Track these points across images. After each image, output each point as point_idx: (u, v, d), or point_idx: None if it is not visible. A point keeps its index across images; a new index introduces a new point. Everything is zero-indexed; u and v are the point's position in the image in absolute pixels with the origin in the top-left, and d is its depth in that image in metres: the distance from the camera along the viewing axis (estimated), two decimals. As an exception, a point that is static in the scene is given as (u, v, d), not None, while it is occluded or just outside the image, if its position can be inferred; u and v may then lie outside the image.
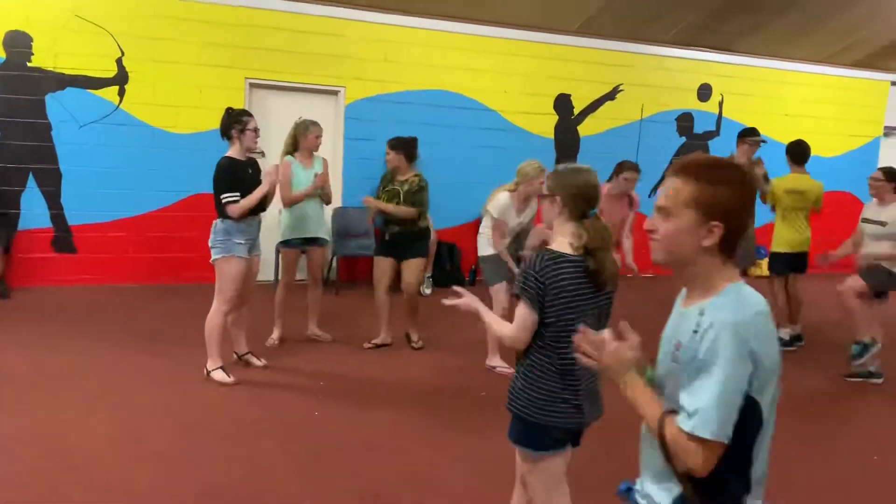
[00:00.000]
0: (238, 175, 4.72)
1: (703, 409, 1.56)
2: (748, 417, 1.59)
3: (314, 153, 5.72)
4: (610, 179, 5.97)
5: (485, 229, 5.37)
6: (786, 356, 6.00)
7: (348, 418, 4.32)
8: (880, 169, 5.57)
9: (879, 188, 5.47)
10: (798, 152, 6.31)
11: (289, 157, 5.60)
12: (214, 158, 4.89)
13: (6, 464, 3.53)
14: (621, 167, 5.89)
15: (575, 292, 2.38)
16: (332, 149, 8.10)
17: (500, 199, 5.19)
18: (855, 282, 5.39)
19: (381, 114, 8.09)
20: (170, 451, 3.80)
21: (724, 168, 1.70)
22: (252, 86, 7.74)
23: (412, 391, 4.88)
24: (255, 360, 5.14)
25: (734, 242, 1.68)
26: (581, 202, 2.47)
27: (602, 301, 2.47)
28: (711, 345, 1.57)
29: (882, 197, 5.48)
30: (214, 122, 6.93)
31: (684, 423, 1.58)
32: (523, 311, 2.38)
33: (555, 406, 2.40)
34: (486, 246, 5.40)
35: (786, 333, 6.43)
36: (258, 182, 4.80)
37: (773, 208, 6.44)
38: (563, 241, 2.45)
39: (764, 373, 1.60)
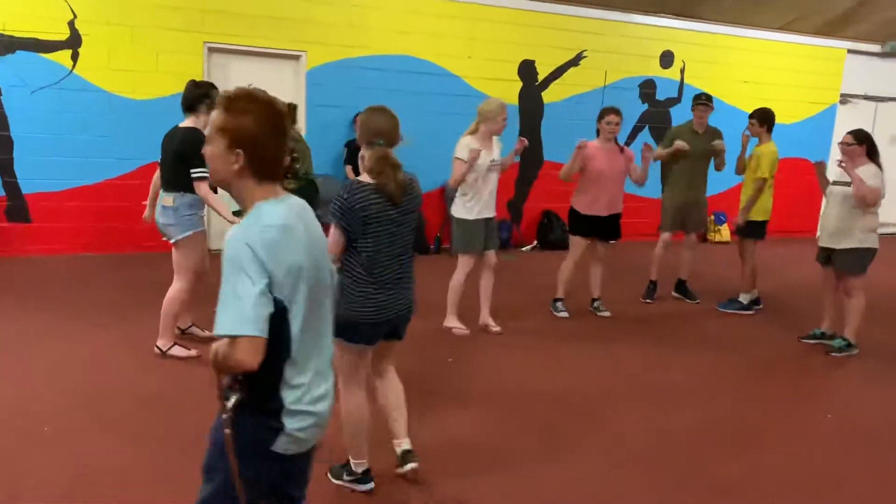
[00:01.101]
0: None
1: (222, 313, 1.76)
2: (277, 320, 1.80)
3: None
4: (598, 134, 6.01)
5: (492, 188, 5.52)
6: (745, 319, 6.17)
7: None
8: (849, 132, 5.48)
9: (850, 151, 5.38)
10: (774, 120, 6.35)
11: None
12: (173, 125, 4.77)
13: (-34, 438, 3.47)
14: (602, 114, 5.93)
15: (373, 209, 2.90)
16: (294, 115, 7.98)
17: (462, 142, 5.32)
18: (853, 279, 5.40)
19: (343, 79, 7.98)
20: (128, 423, 3.76)
21: (245, 100, 1.88)
22: (211, 50, 7.56)
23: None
24: (198, 332, 5.05)
25: (265, 167, 1.89)
26: (371, 135, 2.98)
27: (402, 218, 3.01)
28: (224, 256, 1.79)
29: (854, 160, 5.37)
30: (172, 88, 6.77)
31: (218, 331, 1.77)
32: (333, 231, 2.92)
33: (364, 304, 2.95)
34: (458, 208, 5.49)
35: (746, 298, 6.57)
36: None
37: (740, 179, 6.46)
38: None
39: (284, 278, 1.81)
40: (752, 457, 3.80)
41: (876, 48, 10.89)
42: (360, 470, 3.21)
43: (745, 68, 10.13)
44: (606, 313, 6.21)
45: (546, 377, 4.77)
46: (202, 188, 4.43)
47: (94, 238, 7.33)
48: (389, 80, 8.13)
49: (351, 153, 7.79)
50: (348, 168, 7.84)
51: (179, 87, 6.29)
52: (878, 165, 5.35)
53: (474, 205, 5.40)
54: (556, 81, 9.15)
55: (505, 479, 3.42)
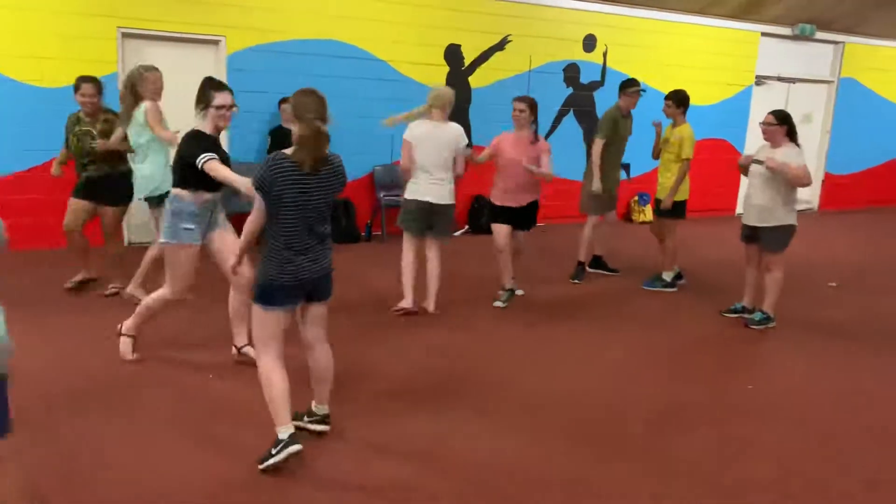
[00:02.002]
0: (209, 145, 4.13)
1: None
2: None
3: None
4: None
5: (448, 173, 5.54)
6: (669, 296, 6.33)
7: (243, 377, 4.22)
8: (771, 113, 5.60)
9: (772, 132, 5.51)
10: (689, 102, 6.51)
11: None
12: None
13: None
14: (513, 101, 5.90)
15: (289, 180, 3.11)
16: (215, 102, 7.78)
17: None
18: (774, 255, 5.60)
19: (266, 64, 7.81)
20: (51, 420, 3.63)
21: None
22: (125, 35, 7.26)
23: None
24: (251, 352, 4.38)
25: None
26: (303, 111, 3.15)
27: (319, 189, 3.22)
28: None
29: (775, 140, 5.52)
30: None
31: None
32: (256, 202, 3.19)
33: (281, 270, 3.20)
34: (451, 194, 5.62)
35: (669, 275, 6.76)
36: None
37: (659, 158, 6.70)
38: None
39: None
40: (679, 428, 3.92)
41: (787, 31, 11.31)
42: (285, 435, 3.23)
43: (665, 51, 10.36)
44: (506, 299, 6.10)
45: (479, 358, 4.81)
46: (212, 167, 4.04)
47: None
48: (313, 64, 7.99)
49: (275, 141, 7.64)
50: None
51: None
52: (797, 144, 5.54)
53: None
54: (483, 66, 9.18)
55: (438, 457, 3.44)
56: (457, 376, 4.51)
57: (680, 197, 6.51)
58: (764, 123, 5.58)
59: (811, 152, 12.33)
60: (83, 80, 5.67)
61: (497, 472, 3.37)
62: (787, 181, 5.40)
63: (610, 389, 4.43)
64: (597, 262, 7.18)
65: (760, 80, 11.43)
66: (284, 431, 3.23)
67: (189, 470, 3.27)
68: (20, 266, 6.47)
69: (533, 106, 5.82)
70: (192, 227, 4.20)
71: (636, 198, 10.46)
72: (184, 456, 3.39)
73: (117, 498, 3.05)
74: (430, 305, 5.68)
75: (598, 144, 6.71)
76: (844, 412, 4.25)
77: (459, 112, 9.02)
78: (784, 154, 5.42)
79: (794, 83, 11.84)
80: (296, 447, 3.21)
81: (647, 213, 10.33)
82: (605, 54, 9.96)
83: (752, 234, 5.71)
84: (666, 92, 6.74)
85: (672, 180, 6.47)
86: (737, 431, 3.93)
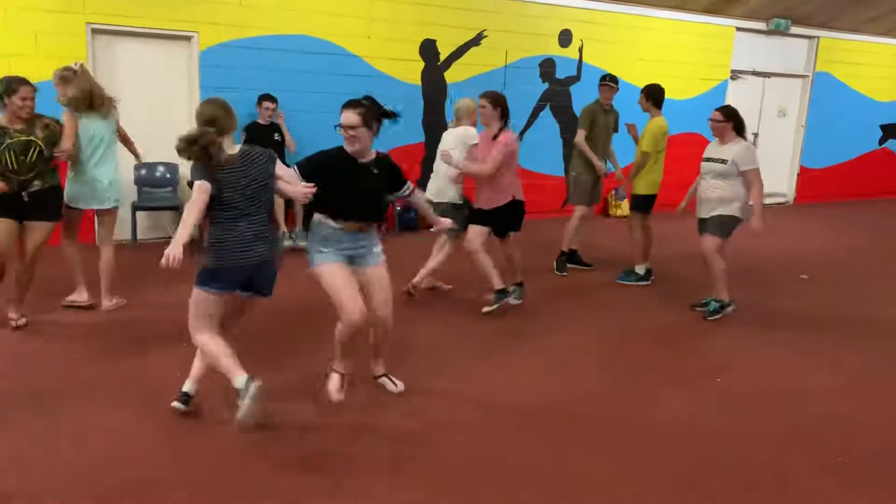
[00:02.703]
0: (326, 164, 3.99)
1: None
2: None
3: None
4: None
5: (448, 172, 5.80)
6: (642, 290, 6.36)
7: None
8: (718, 109, 5.69)
9: (720, 128, 5.61)
10: (662, 96, 6.56)
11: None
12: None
13: None
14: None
15: (223, 179, 3.39)
16: (187, 99, 7.73)
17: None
18: (712, 240, 5.61)
19: (239, 60, 7.75)
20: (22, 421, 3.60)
21: None
22: (95, 32, 7.19)
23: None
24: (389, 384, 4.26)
25: None
26: (201, 122, 3.41)
27: (251, 182, 3.48)
28: None
29: (723, 136, 5.62)
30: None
31: None
32: (198, 185, 3.32)
33: (223, 253, 3.39)
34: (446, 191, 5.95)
35: (641, 269, 6.80)
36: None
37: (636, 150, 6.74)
38: None
39: None
40: (654, 424, 3.94)
41: (762, 26, 11.39)
42: (242, 382, 3.34)
43: (641, 46, 10.40)
44: (493, 302, 5.87)
45: (453, 354, 4.81)
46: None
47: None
48: (287, 60, 7.96)
49: (249, 137, 7.59)
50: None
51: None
52: (745, 139, 5.63)
53: None
54: (459, 61, 9.17)
55: (412, 454, 3.45)
56: (431, 372, 4.51)
57: (647, 191, 6.57)
58: (711, 120, 5.68)
59: (786, 146, 12.47)
60: (20, 81, 4.72)
61: (473, 470, 3.36)
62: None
63: (582, 386, 4.44)
64: (572, 256, 7.21)
65: (736, 74, 11.50)
66: (240, 379, 3.35)
67: (170, 457, 3.26)
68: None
69: (496, 101, 5.46)
70: (325, 250, 3.83)
71: (613, 192, 10.50)
72: (160, 443, 3.38)
73: (103, 489, 3.03)
74: (411, 285, 5.93)
75: (580, 135, 6.90)
76: (813, 404, 4.29)
77: (436, 108, 9.04)
78: (734, 151, 5.49)
79: (768, 77, 11.93)
80: (257, 383, 3.33)
81: (624, 208, 10.38)
82: (580, 49, 9.98)
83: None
84: (640, 86, 6.81)
85: (654, 173, 6.55)
86: (707, 425, 3.95)
